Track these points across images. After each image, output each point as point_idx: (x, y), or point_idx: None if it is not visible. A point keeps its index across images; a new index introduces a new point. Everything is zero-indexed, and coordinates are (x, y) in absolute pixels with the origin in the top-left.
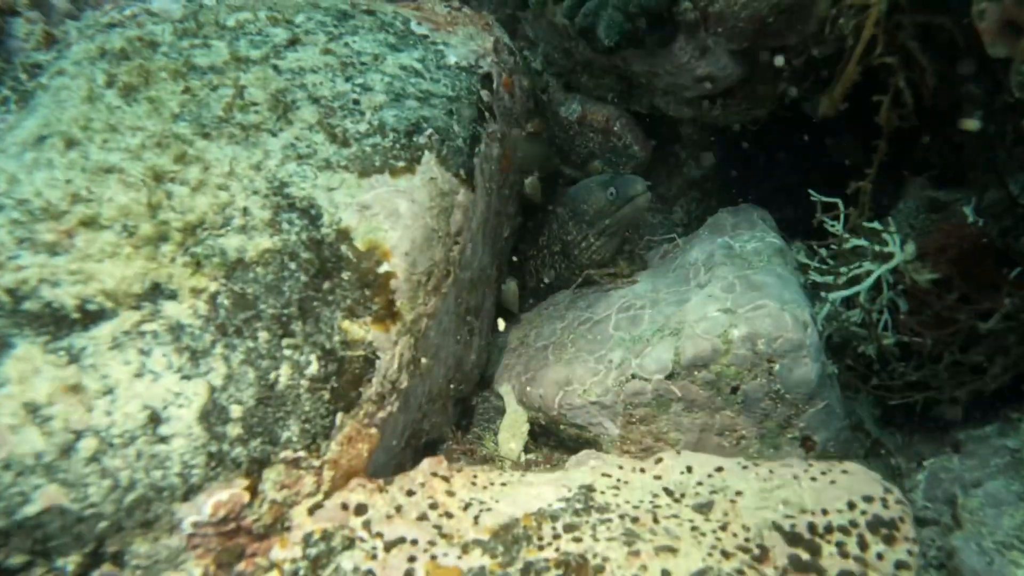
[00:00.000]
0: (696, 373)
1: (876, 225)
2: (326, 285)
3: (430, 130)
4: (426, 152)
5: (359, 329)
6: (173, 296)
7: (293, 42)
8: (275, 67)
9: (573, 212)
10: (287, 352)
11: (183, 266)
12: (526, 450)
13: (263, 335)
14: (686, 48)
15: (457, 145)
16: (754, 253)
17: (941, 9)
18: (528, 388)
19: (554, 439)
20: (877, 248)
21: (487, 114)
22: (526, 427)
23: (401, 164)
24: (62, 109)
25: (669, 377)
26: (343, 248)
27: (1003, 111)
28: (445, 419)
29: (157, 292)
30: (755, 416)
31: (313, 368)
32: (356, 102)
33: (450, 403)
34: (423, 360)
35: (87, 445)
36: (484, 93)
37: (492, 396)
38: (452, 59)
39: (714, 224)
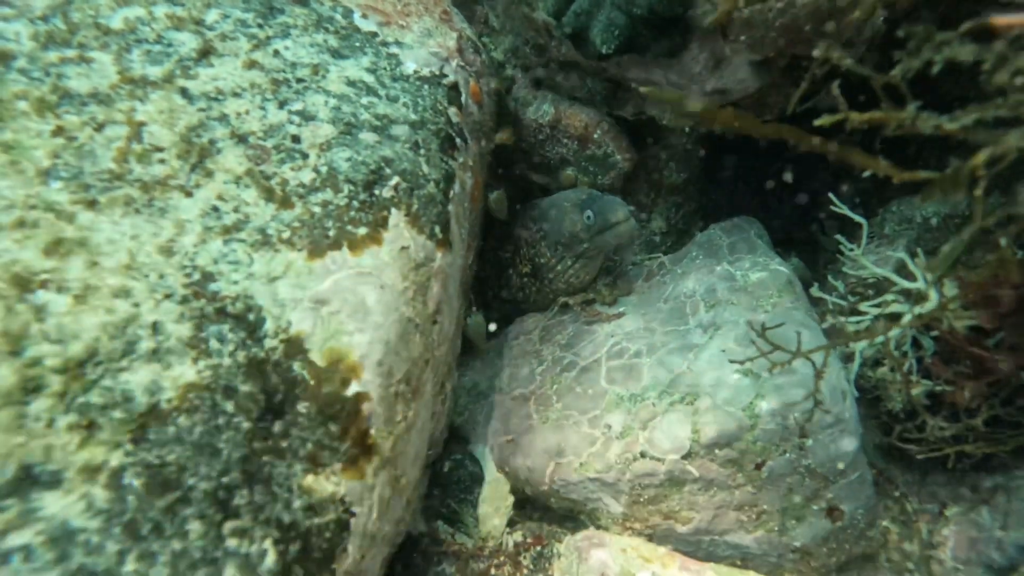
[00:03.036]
0: (717, 452)
1: (902, 254)
2: (277, 427)
3: (395, 178)
4: (393, 210)
5: (326, 483)
6: (54, 483)
7: (205, 52)
8: (183, 91)
9: (545, 232)
10: (231, 544)
11: (67, 431)
12: (510, 524)
13: (195, 526)
14: (699, 58)
15: (429, 193)
16: (760, 286)
17: None
18: (513, 458)
19: (542, 509)
20: (902, 282)
21: (458, 140)
22: (510, 500)
23: (362, 231)
24: None
25: (686, 456)
26: (296, 367)
27: None
28: (417, 509)
29: (28, 480)
30: (779, 490)
31: (270, 560)
32: (296, 138)
33: (423, 484)
34: (403, 479)
35: None
36: (453, 111)
37: (467, 460)
38: (410, 66)
39: (708, 244)
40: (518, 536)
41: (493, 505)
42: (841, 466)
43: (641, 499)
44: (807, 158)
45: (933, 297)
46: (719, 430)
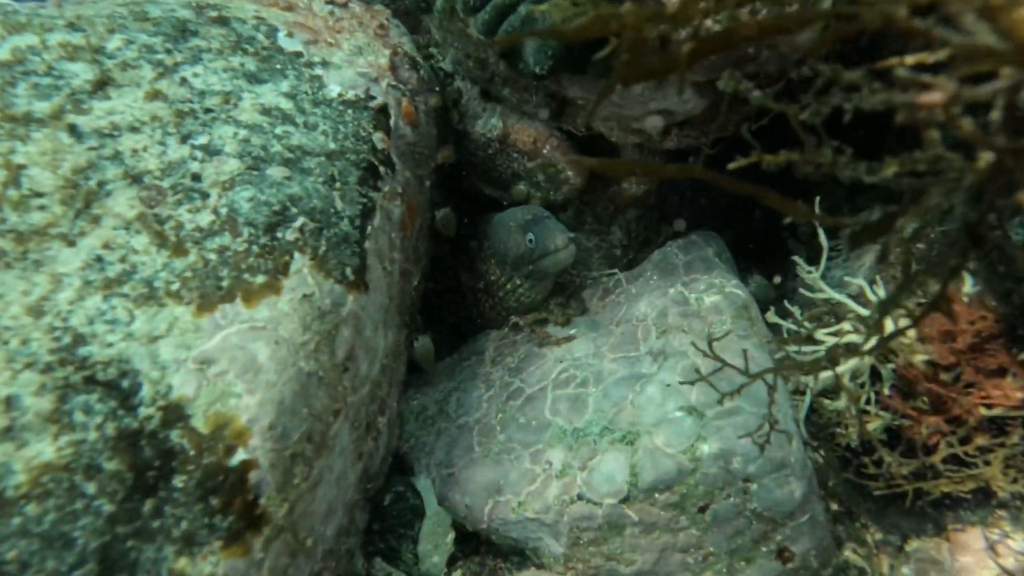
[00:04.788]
0: (657, 495)
1: (860, 281)
2: (147, 507)
3: (301, 218)
4: (296, 255)
5: (202, 565)
6: None
7: (102, 84)
8: (72, 129)
9: (493, 251)
10: None
11: None
12: (452, 561)
13: None
14: None
15: (341, 232)
16: (714, 310)
17: None
18: (452, 493)
19: (486, 543)
20: (859, 309)
21: (383, 168)
22: (451, 535)
23: (260, 280)
24: None
25: (624, 501)
26: (175, 436)
27: None
28: (355, 548)
29: None
30: (725, 533)
31: None
32: (197, 176)
33: (358, 522)
34: (308, 540)
35: None
36: (378, 137)
37: (408, 492)
38: (334, 89)
39: (663, 263)
40: (458, 575)
41: (433, 542)
42: (789, 509)
43: (581, 541)
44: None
45: (889, 327)
46: (657, 474)
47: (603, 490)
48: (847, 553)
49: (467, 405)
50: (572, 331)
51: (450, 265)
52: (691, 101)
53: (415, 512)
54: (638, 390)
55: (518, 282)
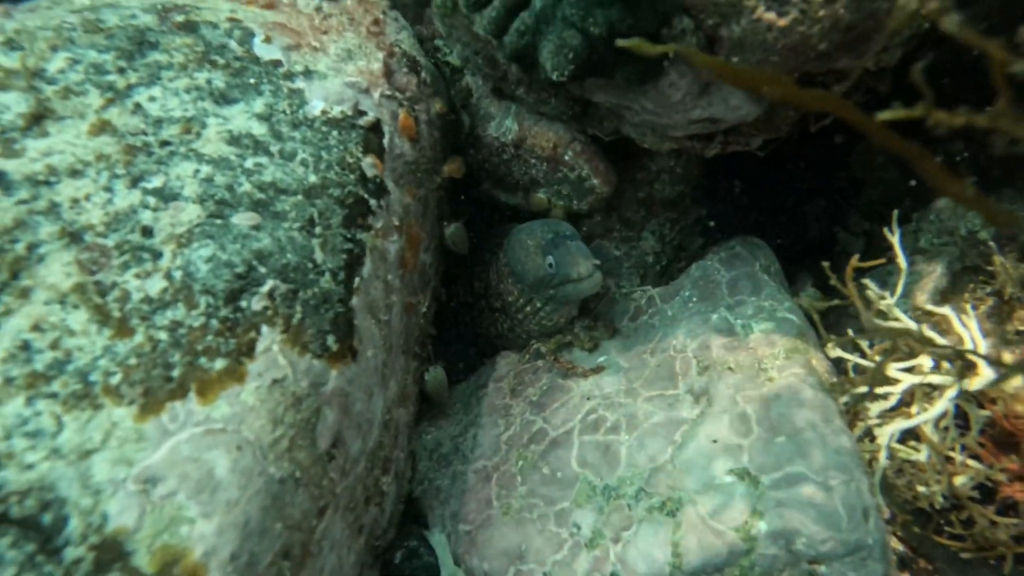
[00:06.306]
0: None
1: (947, 311)
2: None
3: (271, 282)
4: (264, 328)
5: None
6: None
7: (38, 118)
8: (0, 177)
9: (511, 270)
10: None
11: None
12: None
13: None
14: (679, 83)
15: (321, 291)
16: (766, 342)
17: None
18: (469, 557)
19: None
20: (946, 345)
21: (373, 201)
22: None
23: (219, 366)
24: None
25: None
26: None
27: None
28: None
29: None
30: None
31: None
32: (148, 231)
33: None
34: None
35: None
36: (368, 163)
37: (422, 548)
38: (317, 106)
39: (703, 281)
40: None
41: None
42: None
43: None
44: (820, 166)
45: (986, 371)
46: (705, 556)
47: (640, 571)
48: None
49: (484, 445)
50: (600, 359)
51: (465, 278)
52: (743, 107)
53: (429, 571)
54: (679, 442)
55: (538, 305)
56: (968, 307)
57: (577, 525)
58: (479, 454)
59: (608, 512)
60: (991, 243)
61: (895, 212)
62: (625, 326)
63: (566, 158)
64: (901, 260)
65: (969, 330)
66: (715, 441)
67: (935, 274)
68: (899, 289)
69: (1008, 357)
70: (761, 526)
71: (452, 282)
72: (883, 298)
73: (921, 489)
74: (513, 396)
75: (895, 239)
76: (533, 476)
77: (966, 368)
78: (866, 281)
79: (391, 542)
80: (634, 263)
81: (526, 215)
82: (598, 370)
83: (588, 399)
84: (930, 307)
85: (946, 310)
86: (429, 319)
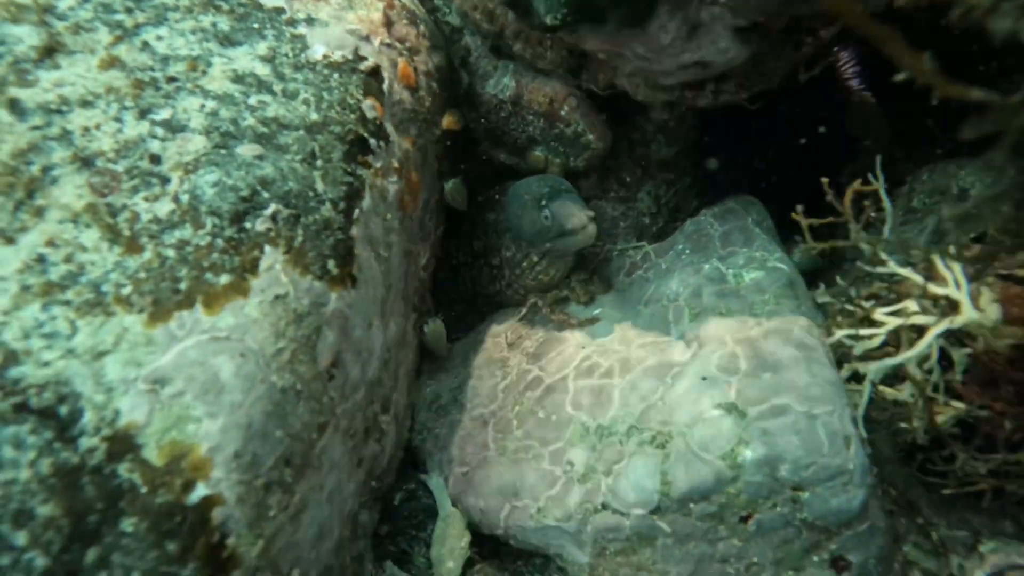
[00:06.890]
0: (692, 506)
1: (932, 252)
2: (91, 557)
3: (273, 205)
4: (267, 248)
5: None
6: None
7: (50, 51)
8: (14, 105)
9: (508, 226)
10: None
11: None
12: (469, 563)
13: None
14: (667, 26)
15: (322, 218)
16: (755, 289)
17: None
18: (465, 496)
19: (506, 546)
20: (932, 287)
21: (374, 141)
22: (466, 539)
23: (224, 280)
24: None
25: (654, 512)
26: (123, 471)
27: None
28: (365, 551)
29: None
30: (771, 543)
31: None
32: (156, 158)
33: (369, 524)
34: (294, 573)
35: None
36: (368, 104)
37: (420, 491)
38: (319, 50)
39: (697, 235)
40: None
41: (447, 545)
42: (846, 519)
43: (607, 551)
44: (816, 122)
45: (968, 309)
46: (692, 483)
47: (630, 499)
48: (907, 548)
49: (482, 395)
50: (595, 311)
51: (465, 237)
52: (731, 50)
53: (428, 512)
54: (669, 382)
55: (535, 259)
56: (951, 250)
57: (571, 462)
58: (477, 403)
59: (601, 449)
60: None
61: (878, 157)
62: (620, 280)
63: (562, 113)
64: (886, 202)
65: (953, 272)
66: (704, 379)
67: (927, 229)
68: (886, 230)
69: (987, 296)
70: (747, 454)
71: (452, 240)
72: (870, 244)
73: (903, 425)
74: (510, 349)
75: (879, 184)
76: (529, 420)
77: (949, 308)
78: (853, 226)
79: (391, 485)
80: (630, 224)
81: (524, 174)
82: (593, 321)
83: (583, 347)
84: (913, 236)
85: (930, 251)
86: (429, 272)
